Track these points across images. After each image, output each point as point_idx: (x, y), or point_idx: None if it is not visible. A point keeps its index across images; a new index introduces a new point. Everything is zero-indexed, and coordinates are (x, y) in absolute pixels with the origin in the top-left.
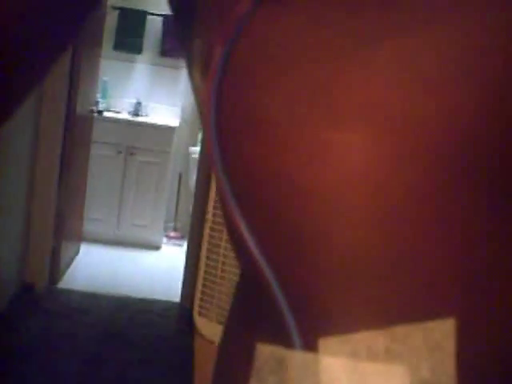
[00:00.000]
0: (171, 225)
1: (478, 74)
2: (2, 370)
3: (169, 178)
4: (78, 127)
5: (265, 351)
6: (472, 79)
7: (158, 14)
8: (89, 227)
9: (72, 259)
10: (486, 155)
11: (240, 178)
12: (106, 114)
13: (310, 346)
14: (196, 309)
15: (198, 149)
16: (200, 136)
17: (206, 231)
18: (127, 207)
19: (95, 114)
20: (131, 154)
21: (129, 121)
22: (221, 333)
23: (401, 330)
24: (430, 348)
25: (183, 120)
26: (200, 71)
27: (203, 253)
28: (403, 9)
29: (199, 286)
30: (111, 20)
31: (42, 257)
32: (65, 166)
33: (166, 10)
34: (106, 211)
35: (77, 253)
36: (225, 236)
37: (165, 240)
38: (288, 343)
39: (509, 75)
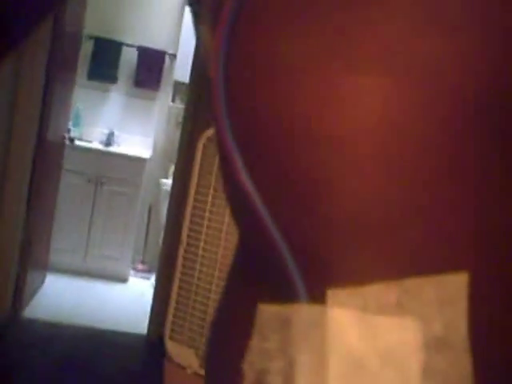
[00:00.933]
0: (139, 257)
1: (498, 22)
2: None
3: (138, 209)
4: (48, 154)
5: (267, 310)
6: (491, 27)
7: (133, 46)
8: (56, 257)
9: (37, 288)
10: (505, 106)
11: (248, 130)
12: (77, 142)
13: (317, 298)
14: (167, 333)
15: (169, 181)
16: (172, 169)
17: (180, 254)
18: (95, 238)
19: (67, 142)
20: (101, 183)
21: (100, 150)
22: (191, 356)
23: (412, 284)
24: (443, 303)
25: (155, 152)
26: (210, 21)
27: (177, 275)
28: None
29: (171, 310)
30: (86, 49)
31: (5, 284)
32: (33, 193)
33: (141, 41)
34: (74, 241)
35: (42, 282)
36: (200, 259)
37: (132, 273)
38: (292, 298)
39: None
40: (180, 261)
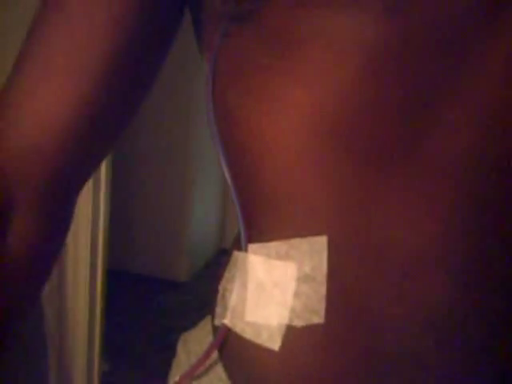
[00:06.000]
0: None
1: (340, 77)
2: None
3: None
4: None
5: (234, 254)
6: (337, 80)
7: None
8: None
9: None
10: (348, 130)
11: (222, 139)
12: None
13: (246, 249)
14: None
15: None
16: None
17: None
18: None
19: None
20: None
21: None
22: None
23: (296, 242)
24: (312, 254)
25: None
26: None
27: None
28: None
29: None
30: None
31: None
32: None
33: None
34: None
35: None
36: None
37: None
38: (240, 248)
39: (357, 78)
40: None
